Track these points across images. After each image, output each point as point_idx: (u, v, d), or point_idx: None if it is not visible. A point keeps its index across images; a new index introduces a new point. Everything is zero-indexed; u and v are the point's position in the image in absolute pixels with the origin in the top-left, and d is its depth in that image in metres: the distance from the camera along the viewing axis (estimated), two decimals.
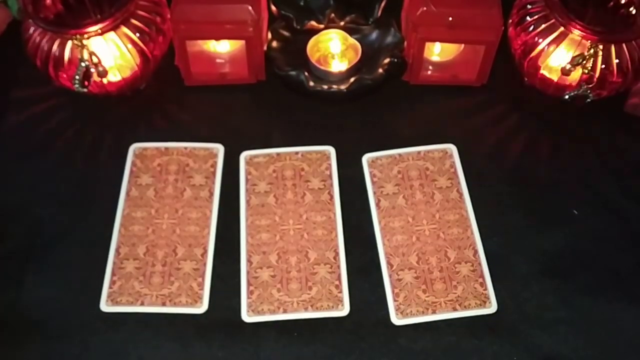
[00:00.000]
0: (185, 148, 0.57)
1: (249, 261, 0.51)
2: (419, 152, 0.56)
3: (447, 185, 0.55)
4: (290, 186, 0.55)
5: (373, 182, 0.55)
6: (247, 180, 0.55)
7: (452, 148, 0.56)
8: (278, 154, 0.56)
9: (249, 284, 0.50)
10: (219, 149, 0.57)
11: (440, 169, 0.56)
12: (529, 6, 0.57)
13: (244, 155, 0.56)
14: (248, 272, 0.51)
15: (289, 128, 0.59)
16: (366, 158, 0.56)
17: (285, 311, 0.49)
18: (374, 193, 0.54)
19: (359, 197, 0.55)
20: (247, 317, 0.49)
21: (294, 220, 0.53)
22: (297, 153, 0.56)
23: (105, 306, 0.49)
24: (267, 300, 0.49)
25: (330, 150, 0.56)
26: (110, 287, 0.50)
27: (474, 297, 0.50)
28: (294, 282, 0.50)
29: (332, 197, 0.54)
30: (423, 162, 0.56)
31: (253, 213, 0.53)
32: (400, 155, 0.56)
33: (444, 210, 0.54)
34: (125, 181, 0.55)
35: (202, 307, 0.49)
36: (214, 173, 0.55)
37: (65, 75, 0.56)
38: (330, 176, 0.55)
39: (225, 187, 0.55)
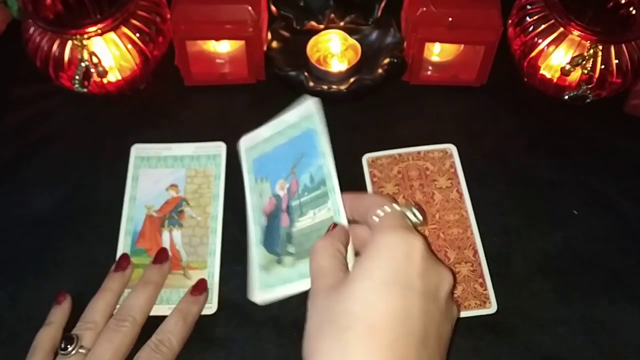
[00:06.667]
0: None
1: None
2: (418, 152, 0.56)
3: (447, 186, 0.55)
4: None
5: (373, 182, 0.55)
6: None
7: (452, 148, 0.56)
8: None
9: None
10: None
11: (440, 169, 0.56)
12: (528, 7, 0.57)
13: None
14: None
15: None
16: (366, 158, 0.56)
17: None
18: (374, 193, 0.54)
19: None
20: None
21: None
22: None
23: None
24: None
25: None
26: None
27: (474, 297, 0.50)
28: None
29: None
30: (423, 162, 0.56)
31: None
32: (400, 155, 0.56)
33: (444, 210, 0.54)
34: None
35: None
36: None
37: (65, 75, 0.56)
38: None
39: (227, 187, 0.55)
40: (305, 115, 0.51)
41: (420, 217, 0.40)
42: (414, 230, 0.38)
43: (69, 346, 0.43)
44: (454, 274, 0.40)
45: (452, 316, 0.39)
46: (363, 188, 0.55)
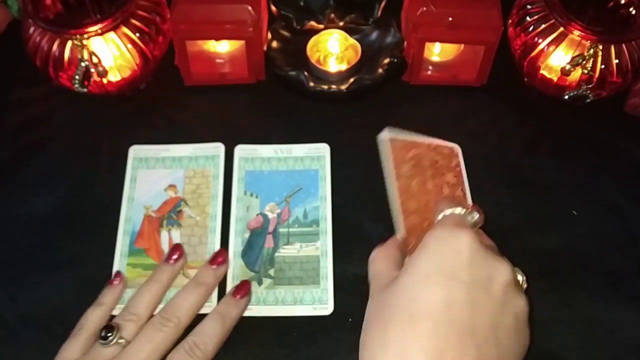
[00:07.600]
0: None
1: None
2: (430, 144, 0.55)
3: (453, 182, 0.54)
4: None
5: (390, 161, 0.52)
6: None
7: (457, 147, 0.56)
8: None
9: None
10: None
11: (449, 165, 0.55)
12: (528, 6, 0.57)
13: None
14: None
15: (288, 128, 0.59)
16: (383, 136, 0.53)
17: None
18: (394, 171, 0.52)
19: (359, 197, 0.54)
20: None
21: None
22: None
23: None
24: None
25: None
26: None
27: None
28: None
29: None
30: (435, 153, 0.55)
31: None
32: (415, 142, 0.55)
33: None
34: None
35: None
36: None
37: (65, 75, 0.56)
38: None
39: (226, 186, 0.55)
40: (315, 156, 0.54)
41: (477, 217, 0.41)
42: (465, 226, 0.39)
43: (109, 335, 0.43)
44: (512, 267, 0.39)
45: (513, 307, 0.38)
46: (363, 185, 0.55)
